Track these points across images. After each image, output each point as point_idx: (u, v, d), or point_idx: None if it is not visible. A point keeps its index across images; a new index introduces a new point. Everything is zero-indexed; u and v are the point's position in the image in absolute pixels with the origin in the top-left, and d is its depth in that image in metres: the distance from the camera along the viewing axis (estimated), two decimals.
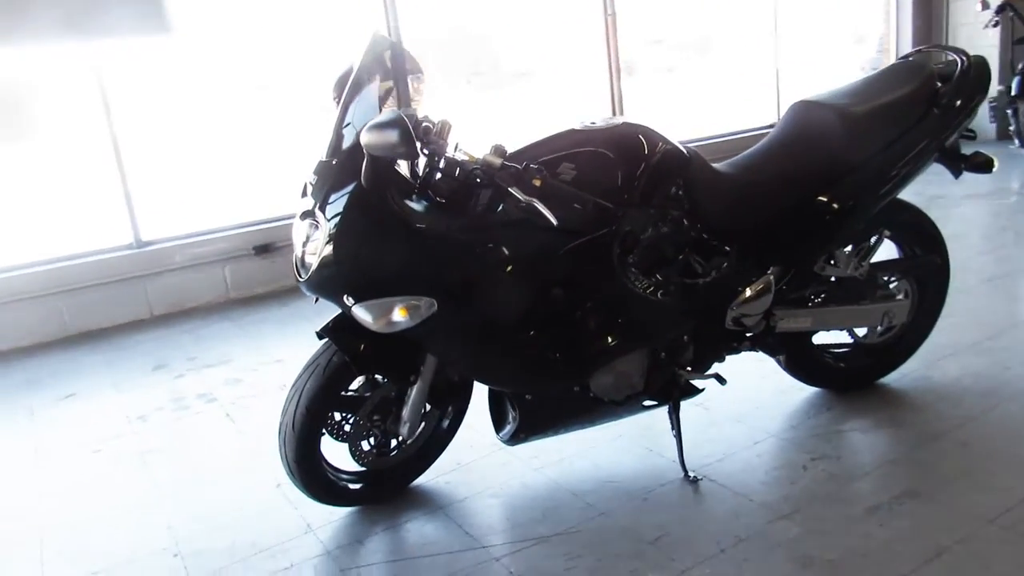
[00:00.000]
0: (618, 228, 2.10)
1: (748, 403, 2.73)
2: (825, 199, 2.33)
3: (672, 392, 2.36)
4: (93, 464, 2.85)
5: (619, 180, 2.11)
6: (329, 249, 1.92)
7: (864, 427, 2.54)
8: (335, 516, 2.31)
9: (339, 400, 2.16)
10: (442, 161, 2.02)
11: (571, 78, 6.52)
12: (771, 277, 2.35)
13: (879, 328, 2.62)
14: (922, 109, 2.38)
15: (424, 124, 2.02)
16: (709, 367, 2.43)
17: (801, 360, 2.65)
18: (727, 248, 2.30)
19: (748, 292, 2.33)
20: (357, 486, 2.30)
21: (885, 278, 2.60)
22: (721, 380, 2.41)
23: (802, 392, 2.75)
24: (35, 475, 2.82)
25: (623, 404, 2.29)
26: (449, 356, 2.13)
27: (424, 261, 1.95)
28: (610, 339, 2.17)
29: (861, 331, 2.69)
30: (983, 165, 2.47)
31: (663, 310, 2.20)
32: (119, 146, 4.59)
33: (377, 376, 2.22)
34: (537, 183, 1.92)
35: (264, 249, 4.90)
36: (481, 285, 2.00)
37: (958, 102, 2.39)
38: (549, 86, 6.44)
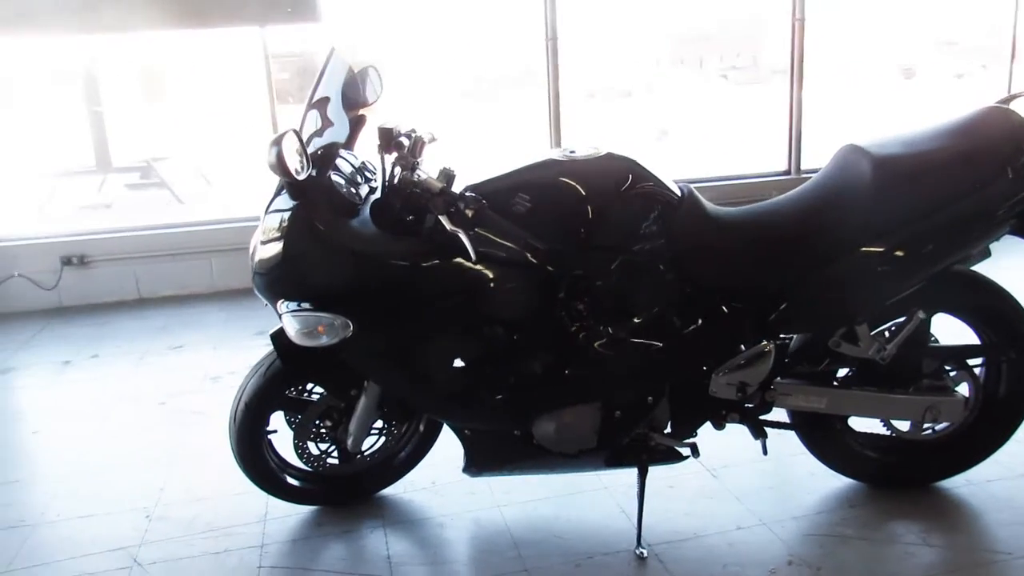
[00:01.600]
0: (563, 271, 1.93)
1: (767, 479, 2.41)
2: (837, 267, 1.97)
3: (640, 455, 2.14)
4: (144, 415, 3.15)
5: (581, 218, 1.94)
6: (259, 254, 1.97)
7: (878, 538, 2.13)
8: (294, 511, 2.37)
9: (284, 400, 2.21)
10: (396, 180, 2.00)
11: (838, 79, 5.97)
12: (770, 347, 2.05)
13: (924, 424, 2.19)
14: (990, 170, 1.93)
15: (398, 139, 2.00)
16: (690, 434, 2.18)
17: (825, 442, 2.28)
18: (716, 307, 2.03)
19: (738, 360, 2.05)
20: (302, 484, 2.32)
21: (942, 366, 2.16)
22: (695, 452, 2.14)
23: (838, 481, 2.37)
24: (90, 416, 3.17)
25: (578, 458, 2.12)
26: (374, 378, 2.09)
27: (343, 281, 1.93)
28: (549, 388, 2.01)
29: (904, 423, 2.26)
30: None
31: (612, 366, 2.00)
32: None
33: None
34: (469, 214, 1.83)
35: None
36: (404, 313, 1.94)
37: None
38: (811, 85, 5.91)
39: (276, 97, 4.84)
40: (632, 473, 2.18)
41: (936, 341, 2.21)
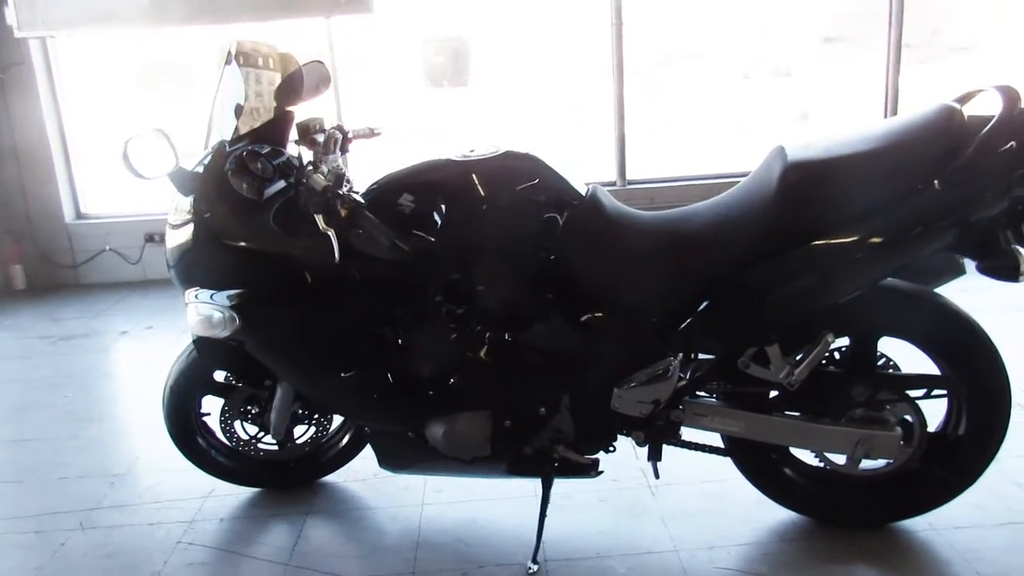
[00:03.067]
0: (441, 273, 1.88)
1: (708, 502, 2.24)
2: (739, 282, 1.79)
3: (543, 466, 2.06)
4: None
5: (463, 219, 1.88)
6: (166, 242, 2.04)
7: None
8: (238, 492, 2.46)
9: (211, 384, 2.29)
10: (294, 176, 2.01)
11: None
12: (673, 363, 1.90)
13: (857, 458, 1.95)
14: (914, 180, 1.67)
15: (313, 135, 2.03)
16: (596, 449, 2.06)
17: (761, 470, 2.09)
18: (612, 317, 1.90)
19: (641, 375, 1.92)
20: (236, 466, 2.40)
21: (874, 396, 1.92)
22: (593, 469, 2.03)
23: (785, 512, 2.15)
24: (113, 383, 3.43)
25: (476, 465, 2.06)
26: (272, 370, 2.12)
27: (223, 275, 1.97)
28: (436, 393, 1.97)
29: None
30: (1004, 271, 1.67)
31: (495, 374, 1.92)
32: None
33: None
34: (343, 213, 1.82)
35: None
36: (283, 310, 1.96)
37: (980, 173, 1.63)
38: (994, 65, 5.38)
39: (431, 80, 4.97)
40: (570, 483, 2.11)
41: (894, 368, 1.96)
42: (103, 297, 4.82)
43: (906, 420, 1.93)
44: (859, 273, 1.73)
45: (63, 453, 2.81)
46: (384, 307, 1.93)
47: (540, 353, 1.92)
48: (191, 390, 2.28)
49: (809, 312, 1.79)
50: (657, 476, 2.02)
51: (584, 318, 1.91)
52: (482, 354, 1.91)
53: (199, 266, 2.00)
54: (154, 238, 5.08)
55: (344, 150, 2.26)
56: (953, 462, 1.97)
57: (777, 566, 1.98)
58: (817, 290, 1.75)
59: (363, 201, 1.84)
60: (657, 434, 1.99)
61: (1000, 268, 1.67)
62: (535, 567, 2.00)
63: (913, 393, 1.92)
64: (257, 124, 2.08)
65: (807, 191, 1.73)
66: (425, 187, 1.92)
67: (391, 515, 2.32)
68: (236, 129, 1.99)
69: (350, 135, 2.26)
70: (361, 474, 2.49)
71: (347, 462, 2.46)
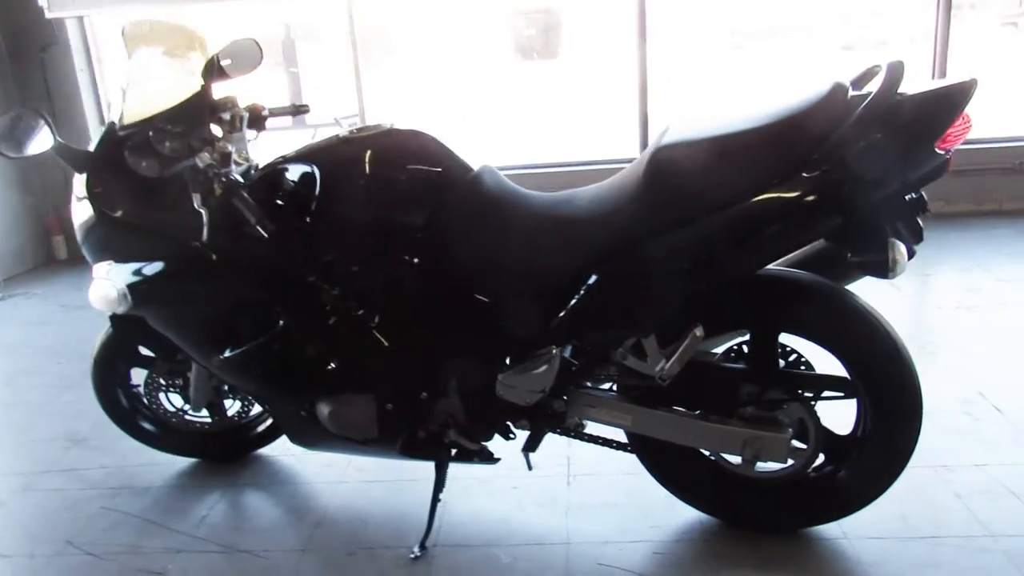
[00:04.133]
0: (312, 254, 1.85)
1: (620, 495, 2.14)
2: (608, 271, 1.69)
3: (436, 450, 2.02)
4: None
5: (338, 199, 1.85)
6: (73, 216, 2.08)
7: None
8: (180, 462, 2.53)
9: (136, 357, 2.35)
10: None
11: None
12: (552, 352, 1.82)
13: (746, 459, 1.83)
14: (782, 164, 1.53)
15: (220, 113, 2.04)
16: (488, 436, 2.01)
17: (663, 465, 1.99)
18: (491, 302, 1.84)
19: (525, 363, 1.85)
20: (167, 436, 2.46)
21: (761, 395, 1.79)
22: (490, 458, 1.98)
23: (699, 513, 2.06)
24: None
25: (369, 445, 2.04)
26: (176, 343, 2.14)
27: (112, 252, 2.00)
28: (317, 373, 1.95)
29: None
30: (873, 266, 1.51)
31: (370, 357, 1.89)
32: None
33: None
34: (217, 192, 1.83)
35: None
36: (172, 287, 1.98)
37: (843, 159, 1.48)
38: None
39: (522, 53, 4.99)
40: (489, 469, 2.07)
41: (807, 367, 1.83)
42: None
43: (801, 422, 1.80)
44: (726, 264, 1.61)
45: (38, 417, 2.95)
46: (264, 287, 1.92)
47: (419, 337, 1.88)
48: (115, 362, 2.34)
49: (682, 303, 1.67)
50: (530, 468, 1.96)
51: (462, 302, 1.85)
52: (358, 337, 1.88)
53: (94, 242, 2.04)
54: None
55: (259, 128, 2.26)
56: (859, 467, 1.83)
57: (665, 567, 1.89)
58: (682, 281, 1.63)
59: (241, 181, 1.84)
60: (545, 424, 1.93)
61: (869, 263, 1.53)
62: (418, 552, 1.98)
63: (808, 394, 1.78)
64: (168, 104, 2.10)
65: (670, 175, 1.61)
66: (307, 167, 1.89)
67: (308, 491, 2.34)
68: (125, 109, 2.01)
69: (266, 112, 2.26)
70: (293, 449, 2.51)
71: (279, 436, 2.48)
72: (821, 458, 1.87)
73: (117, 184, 1.97)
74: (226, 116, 2.10)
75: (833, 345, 1.75)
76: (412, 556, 1.97)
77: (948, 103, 1.50)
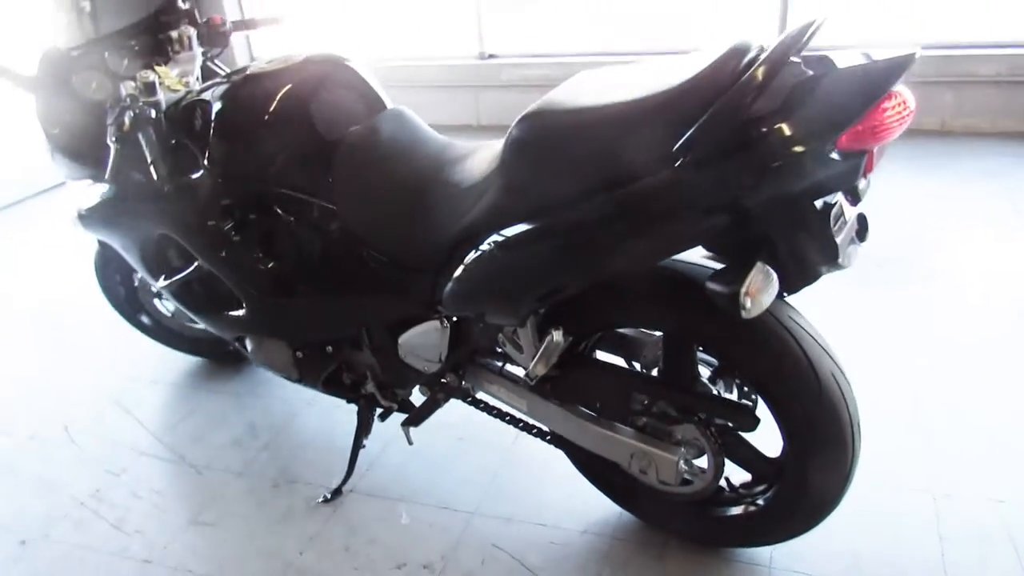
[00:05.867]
0: (211, 197, 1.77)
1: (551, 473, 1.97)
2: (469, 245, 1.46)
3: (355, 396, 1.97)
4: None
5: (228, 138, 1.75)
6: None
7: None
8: (189, 362, 2.69)
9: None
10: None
11: None
12: (440, 324, 1.67)
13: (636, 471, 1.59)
14: (651, 149, 1.20)
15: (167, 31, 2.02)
16: (399, 394, 1.91)
17: (580, 457, 1.80)
18: (382, 263, 1.69)
19: (416, 329, 1.72)
20: (164, 333, 2.59)
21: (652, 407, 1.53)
22: (377, 413, 1.90)
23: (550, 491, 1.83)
24: None
25: (297, 383, 2.03)
26: None
27: (70, 173, 2.05)
28: (229, 312, 1.93)
29: None
30: (719, 297, 1.16)
31: (262, 304, 1.82)
32: None
33: None
34: (126, 126, 1.80)
35: None
36: (105, 213, 2.00)
37: (706, 155, 1.13)
38: None
39: None
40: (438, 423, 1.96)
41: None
42: None
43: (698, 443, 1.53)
44: (581, 263, 1.33)
45: None
46: (173, 227, 1.89)
47: (313, 290, 1.79)
48: (109, 266, 2.45)
49: (531, 295, 1.43)
50: (410, 443, 1.84)
51: (354, 259, 1.71)
52: (261, 285, 1.82)
53: (55, 161, 2.10)
54: None
55: (222, 44, 2.18)
56: (780, 497, 1.54)
57: (553, 560, 1.75)
58: (538, 275, 1.38)
59: (150, 116, 1.78)
60: (441, 394, 1.80)
61: (717, 293, 1.19)
62: (328, 496, 1.97)
63: (701, 416, 1.50)
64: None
65: (527, 151, 1.34)
66: (214, 102, 1.79)
67: (276, 409, 2.39)
68: (71, 32, 1.99)
69: (227, 27, 2.16)
70: None
71: None
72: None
73: (59, 106, 1.99)
74: (173, 34, 2.03)
75: (731, 363, 1.44)
76: (321, 499, 1.97)
77: (862, 83, 1.10)
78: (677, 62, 1.26)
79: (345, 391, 1.97)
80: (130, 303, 2.54)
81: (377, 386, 1.90)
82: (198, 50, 2.08)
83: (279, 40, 5.55)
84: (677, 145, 1.16)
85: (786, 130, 1.10)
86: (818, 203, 1.20)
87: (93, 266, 2.47)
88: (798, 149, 1.10)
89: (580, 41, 4.85)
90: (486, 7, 4.96)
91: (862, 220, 1.33)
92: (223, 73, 2.24)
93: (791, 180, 1.13)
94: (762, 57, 1.12)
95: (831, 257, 1.22)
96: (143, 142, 1.76)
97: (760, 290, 1.16)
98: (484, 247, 1.43)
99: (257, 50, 5.56)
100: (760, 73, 1.09)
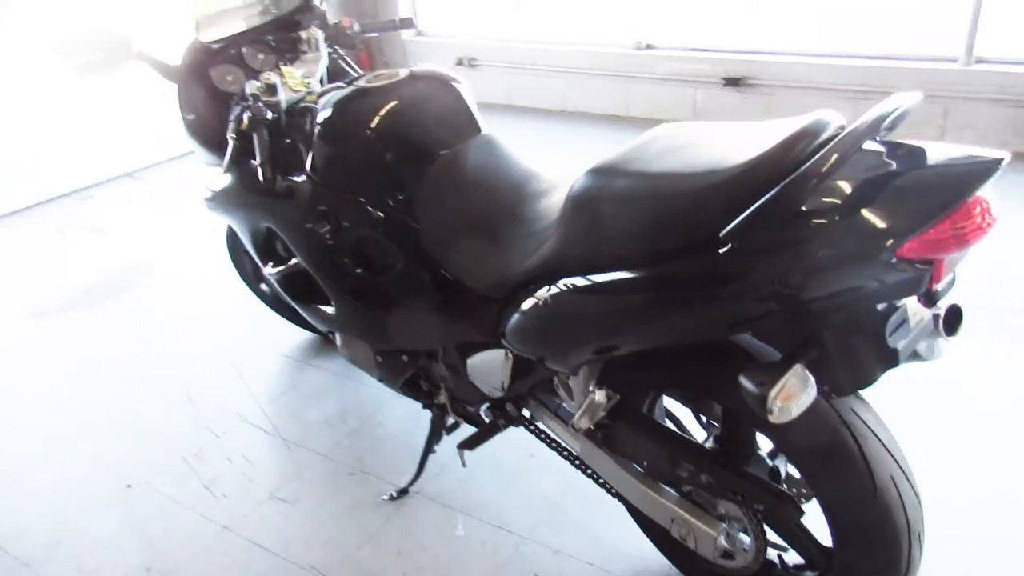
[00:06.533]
0: (311, 202, 1.85)
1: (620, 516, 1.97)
2: (537, 288, 1.45)
3: (429, 401, 2.03)
4: None
5: (328, 149, 1.82)
6: None
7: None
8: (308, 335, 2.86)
9: None
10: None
11: None
12: (504, 355, 1.67)
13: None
14: (692, 231, 1.13)
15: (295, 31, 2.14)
16: (466, 408, 1.94)
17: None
18: (456, 286, 1.71)
19: (483, 354, 1.74)
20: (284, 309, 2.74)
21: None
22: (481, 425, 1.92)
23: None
24: None
25: (379, 381, 2.11)
26: None
27: (204, 156, 2.21)
28: (323, 307, 2.02)
29: None
30: (748, 399, 1.06)
31: (356, 306, 1.89)
32: None
33: None
34: (244, 123, 1.92)
35: (735, 82, 4.55)
36: (227, 198, 2.13)
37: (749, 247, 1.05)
38: None
39: None
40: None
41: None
42: None
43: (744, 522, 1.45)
44: (622, 326, 1.28)
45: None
46: (277, 223, 1.99)
47: (393, 301, 1.84)
48: (236, 240, 2.63)
49: (580, 350, 1.40)
50: (464, 465, 1.86)
51: (431, 279, 1.75)
52: (346, 288, 1.90)
53: (192, 144, 2.26)
54: (462, 62, 5.47)
55: (349, 45, 2.26)
56: None
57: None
58: (583, 328, 1.35)
59: (266, 116, 1.88)
60: (499, 421, 1.82)
61: (747, 390, 1.12)
62: (395, 494, 2.05)
63: (742, 497, 1.42)
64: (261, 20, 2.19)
65: (586, 207, 1.30)
66: (323, 110, 1.87)
67: (369, 396, 2.50)
68: (209, 27, 2.12)
69: (354, 29, 2.23)
70: None
71: None
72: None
73: (196, 95, 2.14)
74: (303, 34, 2.13)
75: (780, 447, 1.36)
76: (388, 496, 2.06)
77: (936, 188, 0.98)
78: (757, 131, 1.18)
79: (422, 395, 2.03)
80: (255, 275, 2.71)
81: (449, 398, 1.95)
82: (324, 51, 2.17)
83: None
84: (726, 230, 1.09)
85: (841, 230, 1.01)
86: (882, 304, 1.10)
87: (225, 238, 2.66)
88: (851, 253, 1.01)
89: (742, 36, 4.60)
90: None
91: (954, 312, 1.21)
92: (351, 74, 2.33)
93: (842, 285, 1.04)
94: (831, 144, 1.03)
95: (887, 363, 1.11)
96: (255, 141, 1.86)
97: (793, 396, 1.08)
98: (541, 292, 1.42)
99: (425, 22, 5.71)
100: (823, 162, 1.00)
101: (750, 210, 1.07)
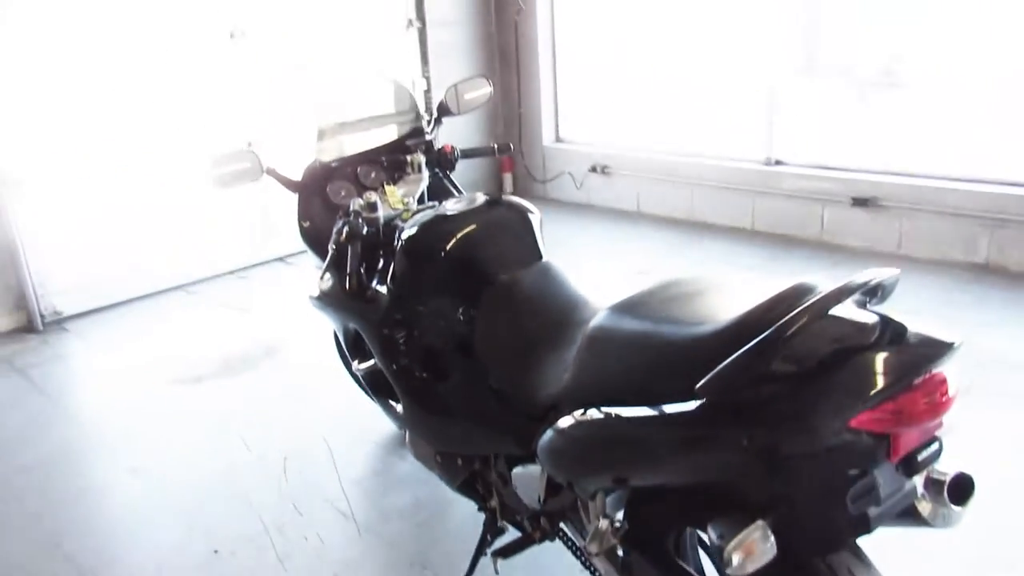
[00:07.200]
0: (389, 309, 2.05)
1: None
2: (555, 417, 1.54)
3: (485, 507, 2.13)
4: None
5: (407, 266, 2.02)
6: None
7: None
8: None
9: None
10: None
11: None
12: (538, 470, 1.76)
13: None
14: (675, 381, 1.19)
15: (403, 155, 2.42)
16: (517, 523, 2.02)
17: None
18: (502, 400, 1.83)
19: (525, 467, 1.84)
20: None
21: None
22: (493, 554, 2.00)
23: None
24: None
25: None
26: None
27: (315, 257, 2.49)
28: (389, 400, 2.20)
29: None
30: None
31: (416, 405, 2.04)
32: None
33: None
34: (342, 236, 2.17)
35: (863, 202, 4.47)
36: (326, 299, 2.37)
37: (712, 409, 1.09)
38: None
39: None
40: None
41: None
42: (542, 210, 5.70)
43: None
44: (613, 461, 1.36)
45: None
46: (360, 326, 2.20)
47: (449, 408, 1.98)
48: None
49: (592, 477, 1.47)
50: (496, 572, 1.91)
51: (482, 391, 1.88)
52: (409, 391, 2.06)
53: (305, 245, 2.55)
54: (595, 169, 5.70)
55: (449, 168, 2.50)
56: None
57: None
58: (587, 458, 1.43)
59: (361, 231, 2.12)
60: (536, 533, 1.89)
61: (710, 539, 1.14)
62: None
63: None
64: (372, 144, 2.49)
65: (591, 346, 1.41)
66: (408, 228, 2.08)
67: (449, 496, 2.60)
68: (324, 148, 2.43)
69: (456, 155, 2.47)
70: None
71: None
72: None
73: (312, 206, 2.44)
74: (408, 157, 2.39)
75: None
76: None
77: (889, 364, 1.01)
78: (752, 290, 1.25)
79: (477, 498, 2.14)
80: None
81: (500, 504, 2.04)
82: (426, 174, 2.42)
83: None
84: (699, 384, 1.16)
85: (798, 396, 1.06)
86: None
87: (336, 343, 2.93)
88: (807, 419, 1.05)
89: (874, 155, 4.53)
90: (780, 110, 4.86)
91: (963, 481, 1.19)
92: (453, 193, 2.56)
93: (798, 449, 1.07)
94: (797, 310, 1.08)
95: (857, 529, 1.12)
96: (349, 252, 2.10)
97: (751, 552, 1.10)
98: (564, 416, 1.52)
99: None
100: (787, 327, 1.06)
101: (719, 368, 1.13)
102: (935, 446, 1.13)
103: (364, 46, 5.24)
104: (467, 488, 2.14)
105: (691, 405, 1.19)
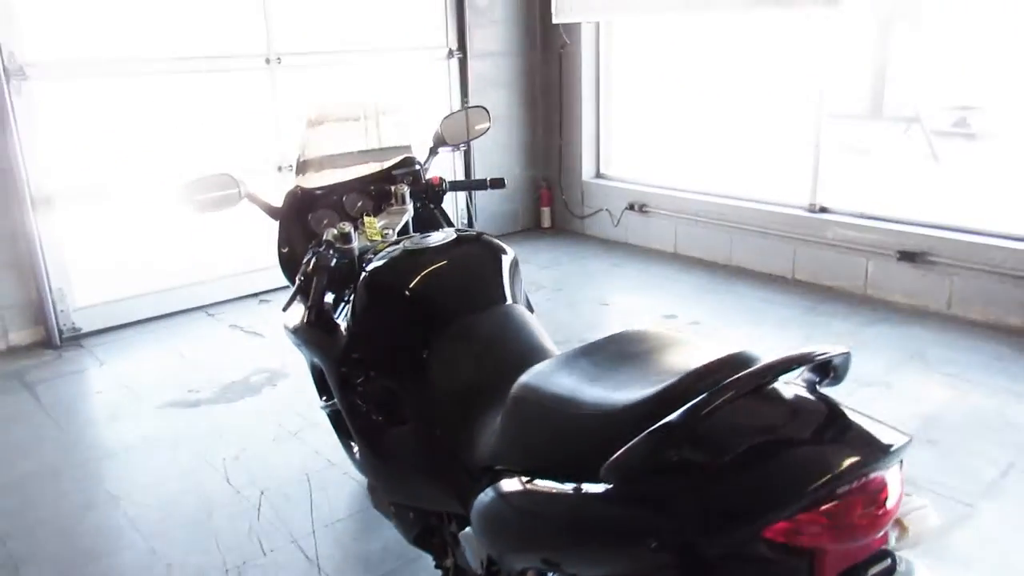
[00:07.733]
0: (347, 347, 1.92)
1: None
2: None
3: (442, 563, 1.97)
4: None
5: (360, 309, 1.90)
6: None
7: None
8: None
9: None
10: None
11: None
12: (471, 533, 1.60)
13: None
14: (590, 458, 1.02)
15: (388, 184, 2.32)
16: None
17: None
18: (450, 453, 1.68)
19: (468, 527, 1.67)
20: None
21: None
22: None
23: None
24: None
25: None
26: None
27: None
28: (349, 443, 2.06)
29: None
30: None
31: (369, 449, 1.89)
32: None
33: None
34: (309, 267, 2.07)
35: (911, 256, 4.18)
36: (297, 331, 2.26)
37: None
38: None
39: None
40: None
41: None
42: (579, 245, 5.58)
43: None
44: (532, 542, 1.19)
45: None
46: (322, 362, 2.08)
47: (397, 455, 1.84)
48: None
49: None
50: None
51: (429, 438, 1.73)
52: (367, 432, 1.93)
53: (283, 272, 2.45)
54: (633, 207, 5.52)
55: (436, 201, 2.38)
56: None
57: None
58: (506, 534, 1.27)
59: (330, 264, 2.01)
60: None
61: None
62: None
63: None
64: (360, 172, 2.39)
65: (513, 412, 1.25)
66: (372, 262, 1.96)
67: None
68: (307, 176, 2.33)
69: (445, 187, 2.35)
70: None
71: None
72: None
73: (292, 233, 2.34)
74: (392, 188, 2.28)
75: None
76: None
77: (818, 464, 0.83)
78: (693, 354, 1.09)
79: (434, 553, 1.98)
80: None
81: (454, 564, 1.88)
82: (410, 205, 2.30)
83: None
84: (605, 464, 0.99)
85: (703, 493, 0.88)
86: None
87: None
88: (715, 521, 0.87)
89: (924, 208, 4.25)
90: (826, 156, 4.62)
91: None
92: (442, 225, 2.44)
93: (711, 552, 0.89)
94: (709, 393, 0.91)
95: None
96: (314, 285, 1.99)
97: None
98: (491, 485, 1.36)
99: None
100: (700, 408, 0.89)
101: (624, 448, 0.96)
102: (885, 563, 0.93)
103: (403, 75, 5.21)
104: (423, 542, 1.99)
105: (601, 488, 1.02)
